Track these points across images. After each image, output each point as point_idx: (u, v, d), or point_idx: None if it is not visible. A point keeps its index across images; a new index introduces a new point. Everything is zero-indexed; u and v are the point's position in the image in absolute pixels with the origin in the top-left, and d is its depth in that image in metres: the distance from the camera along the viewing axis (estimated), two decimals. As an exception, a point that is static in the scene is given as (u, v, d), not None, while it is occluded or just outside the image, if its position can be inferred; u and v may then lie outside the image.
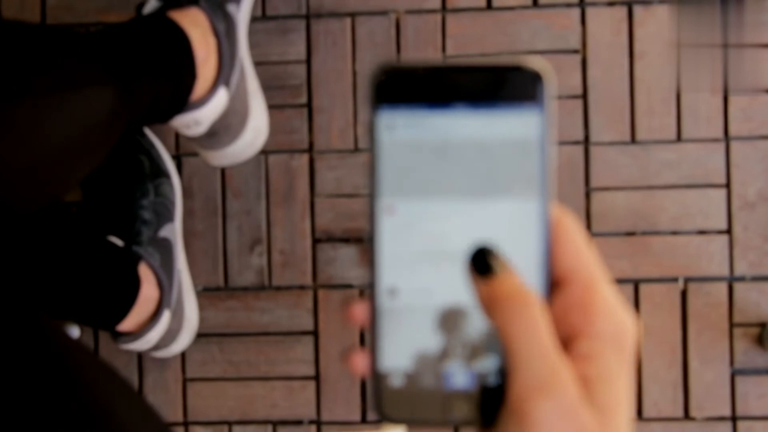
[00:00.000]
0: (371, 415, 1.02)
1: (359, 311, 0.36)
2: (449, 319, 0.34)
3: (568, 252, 0.34)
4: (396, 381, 0.35)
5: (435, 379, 0.34)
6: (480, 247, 0.34)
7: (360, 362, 0.35)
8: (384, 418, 0.35)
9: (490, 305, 0.33)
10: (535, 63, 0.34)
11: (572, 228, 0.34)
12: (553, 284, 0.34)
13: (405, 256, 0.35)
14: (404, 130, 0.34)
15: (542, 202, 0.34)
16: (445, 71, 0.34)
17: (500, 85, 0.34)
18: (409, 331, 0.35)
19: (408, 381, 0.34)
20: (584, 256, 0.34)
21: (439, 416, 0.34)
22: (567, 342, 0.33)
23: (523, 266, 0.34)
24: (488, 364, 0.34)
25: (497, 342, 0.34)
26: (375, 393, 0.35)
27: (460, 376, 0.34)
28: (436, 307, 0.34)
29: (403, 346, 0.35)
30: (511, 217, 0.34)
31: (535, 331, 0.32)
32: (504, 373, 0.34)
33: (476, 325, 0.34)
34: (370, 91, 0.34)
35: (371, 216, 0.35)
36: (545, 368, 0.32)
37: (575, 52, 1.02)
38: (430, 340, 0.34)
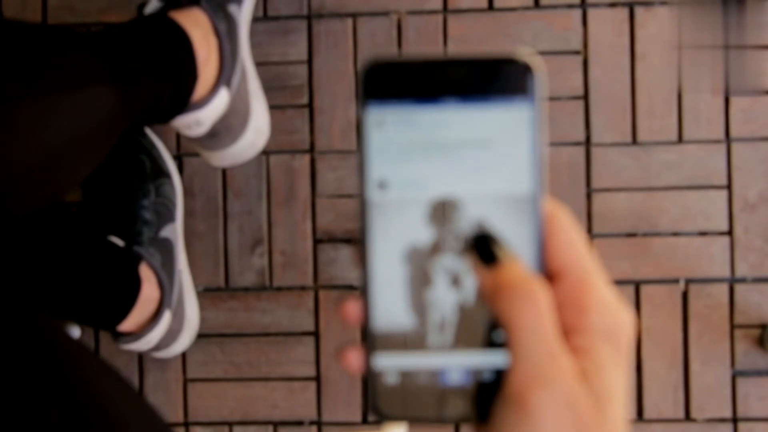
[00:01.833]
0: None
1: (353, 308, 0.35)
2: (441, 211, 0.34)
3: (562, 246, 0.34)
4: (391, 378, 0.34)
5: (430, 376, 0.34)
6: (483, 234, 0.34)
7: (354, 359, 0.35)
8: (379, 416, 0.34)
9: (494, 293, 0.33)
10: (525, 55, 0.34)
11: (565, 222, 0.34)
12: (547, 278, 0.34)
13: (395, 148, 0.34)
14: (395, 125, 0.34)
15: (535, 196, 0.34)
16: (435, 65, 0.34)
17: (490, 78, 0.34)
18: (401, 225, 0.34)
19: (403, 377, 0.34)
20: (578, 250, 0.34)
21: (434, 413, 0.34)
22: (562, 337, 0.33)
23: None
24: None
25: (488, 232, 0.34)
26: (370, 390, 0.35)
27: (455, 373, 0.34)
28: (427, 199, 0.34)
29: (395, 241, 0.34)
30: (504, 211, 0.34)
31: (538, 322, 0.32)
32: (499, 369, 0.34)
33: (468, 216, 0.34)
34: (359, 86, 0.34)
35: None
36: (547, 360, 0.32)
37: (577, 53, 1.02)
38: (422, 234, 0.34)
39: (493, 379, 0.34)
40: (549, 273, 0.34)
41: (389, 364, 0.34)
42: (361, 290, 0.35)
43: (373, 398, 0.34)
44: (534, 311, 0.32)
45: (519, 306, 0.32)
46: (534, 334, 0.32)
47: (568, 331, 0.33)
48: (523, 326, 0.32)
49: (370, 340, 0.35)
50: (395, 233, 0.34)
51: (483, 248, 0.34)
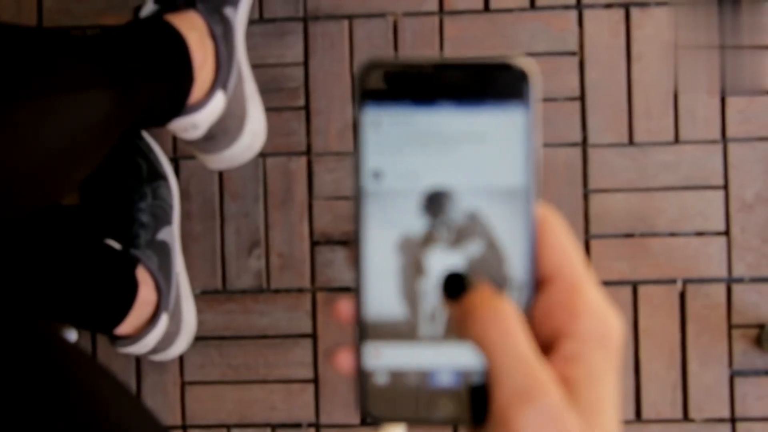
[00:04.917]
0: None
1: (345, 308, 0.35)
2: (434, 202, 0.34)
3: (554, 251, 0.34)
4: (381, 378, 0.34)
5: (420, 377, 0.34)
6: (451, 274, 0.34)
7: (345, 360, 0.35)
8: (369, 416, 0.35)
9: (463, 320, 0.33)
10: (521, 61, 0.34)
11: (557, 227, 0.34)
12: (539, 283, 0.34)
13: (390, 141, 0.34)
14: (390, 126, 0.34)
15: (528, 201, 0.34)
16: (431, 68, 0.34)
17: (486, 83, 0.34)
18: (394, 215, 0.34)
19: (393, 377, 0.34)
20: (569, 255, 0.34)
21: (424, 415, 0.34)
22: (552, 342, 0.33)
23: (509, 264, 0.34)
24: (473, 249, 0.34)
25: (483, 228, 0.34)
26: (361, 390, 0.35)
27: (445, 374, 0.34)
28: (421, 189, 0.34)
29: (388, 230, 0.34)
30: (497, 216, 0.34)
31: (511, 339, 0.32)
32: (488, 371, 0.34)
33: (461, 208, 0.34)
34: (355, 88, 0.34)
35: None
36: (525, 376, 0.31)
37: (573, 53, 1.02)
38: (415, 224, 0.34)
39: (483, 382, 0.34)
40: (540, 277, 0.34)
41: (379, 360, 0.34)
42: (354, 279, 0.35)
43: (363, 399, 0.35)
44: (505, 329, 0.32)
45: (489, 326, 0.32)
46: (509, 352, 0.32)
47: (559, 336, 0.33)
48: (496, 346, 0.32)
49: (361, 330, 0.35)
50: (389, 223, 0.34)
51: (451, 285, 0.34)
